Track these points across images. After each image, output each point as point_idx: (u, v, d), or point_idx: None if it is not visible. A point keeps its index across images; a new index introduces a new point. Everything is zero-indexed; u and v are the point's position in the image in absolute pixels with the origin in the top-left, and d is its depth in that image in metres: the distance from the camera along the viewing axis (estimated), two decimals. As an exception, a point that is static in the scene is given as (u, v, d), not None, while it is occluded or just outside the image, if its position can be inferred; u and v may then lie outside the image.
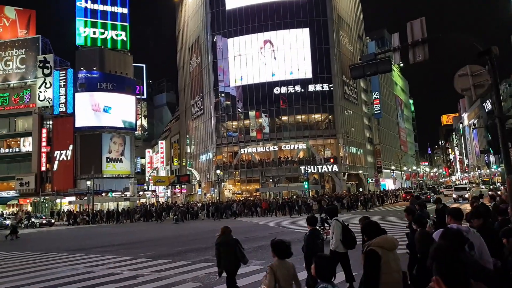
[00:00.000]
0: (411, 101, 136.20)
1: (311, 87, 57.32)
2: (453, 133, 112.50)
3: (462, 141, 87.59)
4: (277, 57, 58.65)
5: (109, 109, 59.25)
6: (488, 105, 44.36)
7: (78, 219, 43.74)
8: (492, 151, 11.12)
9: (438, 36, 11.41)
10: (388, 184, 75.41)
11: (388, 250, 4.30)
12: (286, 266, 4.75)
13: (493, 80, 9.33)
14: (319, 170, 55.43)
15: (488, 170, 62.35)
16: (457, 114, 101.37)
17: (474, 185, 58.69)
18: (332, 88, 57.73)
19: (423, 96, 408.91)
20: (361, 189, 59.20)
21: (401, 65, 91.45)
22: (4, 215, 46.00)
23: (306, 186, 46.60)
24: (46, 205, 53.40)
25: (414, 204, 10.07)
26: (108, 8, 64.30)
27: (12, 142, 61.02)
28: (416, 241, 4.89)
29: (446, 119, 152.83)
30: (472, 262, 3.54)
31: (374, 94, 77.74)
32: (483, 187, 41.34)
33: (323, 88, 57.48)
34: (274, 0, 59.19)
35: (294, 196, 47.10)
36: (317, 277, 3.60)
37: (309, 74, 57.60)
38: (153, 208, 45.73)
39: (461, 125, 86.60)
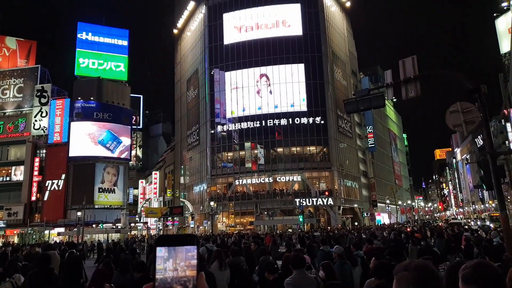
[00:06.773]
0: (404, 135, 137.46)
1: (306, 120, 57.91)
2: (447, 167, 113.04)
3: (456, 176, 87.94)
4: (273, 90, 59.50)
5: (105, 139, 59.15)
6: (479, 141, 44.82)
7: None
8: (485, 187, 11.21)
9: (429, 73, 11.72)
10: (383, 218, 74.88)
11: None
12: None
13: (483, 117, 9.53)
14: (314, 203, 55.07)
15: (482, 206, 62.27)
16: (450, 149, 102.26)
17: (469, 220, 58.38)
18: (326, 122, 58.37)
19: (416, 130, 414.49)
20: (356, 223, 58.72)
21: (394, 100, 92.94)
22: None
23: (301, 219, 46.21)
24: (34, 237, 51.89)
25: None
26: (108, 40, 65.18)
27: (3, 171, 59.87)
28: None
29: (439, 153, 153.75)
30: None
31: (368, 128, 78.50)
32: (491, 225, 34.00)
33: (317, 121, 58.07)
34: (270, 36, 60.71)
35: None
36: None
37: (304, 108, 58.32)
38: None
39: (454, 160, 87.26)
